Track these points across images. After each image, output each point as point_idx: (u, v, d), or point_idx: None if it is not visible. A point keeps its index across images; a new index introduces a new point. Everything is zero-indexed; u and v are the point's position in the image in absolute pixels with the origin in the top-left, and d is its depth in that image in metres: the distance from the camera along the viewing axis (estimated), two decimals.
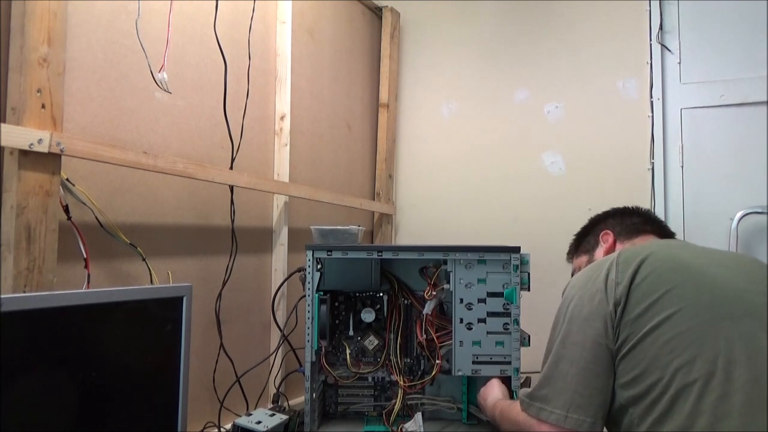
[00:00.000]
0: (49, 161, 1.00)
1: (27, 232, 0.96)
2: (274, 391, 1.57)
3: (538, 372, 1.03)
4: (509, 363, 1.30)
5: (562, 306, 1.04)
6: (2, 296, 0.81)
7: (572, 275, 1.35)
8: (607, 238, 1.26)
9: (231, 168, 1.48)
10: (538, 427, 0.96)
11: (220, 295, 1.45)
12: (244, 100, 1.56)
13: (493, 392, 1.28)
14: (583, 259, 1.31)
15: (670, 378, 0.87)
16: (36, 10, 0.98)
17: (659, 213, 1.91)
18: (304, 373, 1.31)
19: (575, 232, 1.39)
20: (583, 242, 1.34)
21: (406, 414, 1.39)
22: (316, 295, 1.30)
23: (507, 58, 2.24)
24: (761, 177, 1.82)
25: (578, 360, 0.95)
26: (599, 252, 1.26)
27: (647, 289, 0.94)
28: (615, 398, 0.95)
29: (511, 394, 1.28)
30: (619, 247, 1.23)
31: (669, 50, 1.98)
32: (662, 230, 1.25)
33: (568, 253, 1.40)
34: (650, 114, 1.99)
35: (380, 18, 2.38)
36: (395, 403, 1.37)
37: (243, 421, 1.27)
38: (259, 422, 1.26)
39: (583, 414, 0.93)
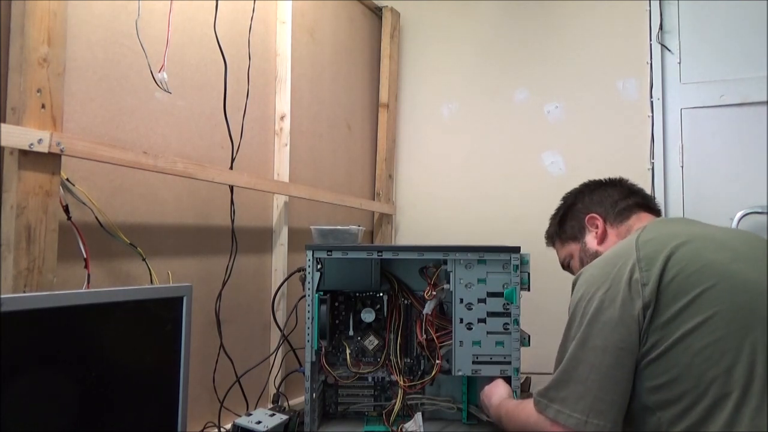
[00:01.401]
0: (49, 161, 1.00)
1: (27, 232, 0.96)
2: (274, 391, 1.57)
3: (539, 372, 1.02)
4: (509, 363, 1.30)
5: (579, 303, 0.99)
6: (2, 296, 0.81)
7: (562, 263, 1.32)
8: (595, 222, 1.21)
9: (231, 168, 1.48)
10: (551, 427, 0.95)
11: (220, 295, 1.45)
12: (244, 100, 1.56)
13: (498, 391, 1.27)
14: (574, 247, 1.27)
15: (706, 387, 0.86)
16: (36, 10, 0.98)
17: None
18: (304, 373, 1.31)
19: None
20: (566, 227, 1.28)
21: (406, 414, 1.39)
22: (316, 295, 1.30)
23: (507, 58, 2.24)
24: (761, 177, 1.82)
25: (599, 366, 0.93)
26: (590, 239, 1.22)
27: (676, 292, 0.91)
28: (638, 398, 0.93)
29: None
30: (611, 231, 1.19)
31: (669, 50, 1.99)
32: (646, 201, 1.22)
33: (548, 238, 1.36)
34: (650, 114, 1.99)
35: (380, 18, 2.38)
36: (395, 403, 1.37)
37: (243, 421, 1.27)
38: (259, 422, 1.26)
39: (603, 419, 0.91)
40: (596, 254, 1.17)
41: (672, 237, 0.99)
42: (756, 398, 0.83)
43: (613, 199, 1.22)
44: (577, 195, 1.29)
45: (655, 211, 1.22)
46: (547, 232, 1.36)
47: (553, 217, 1.34)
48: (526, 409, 1.05)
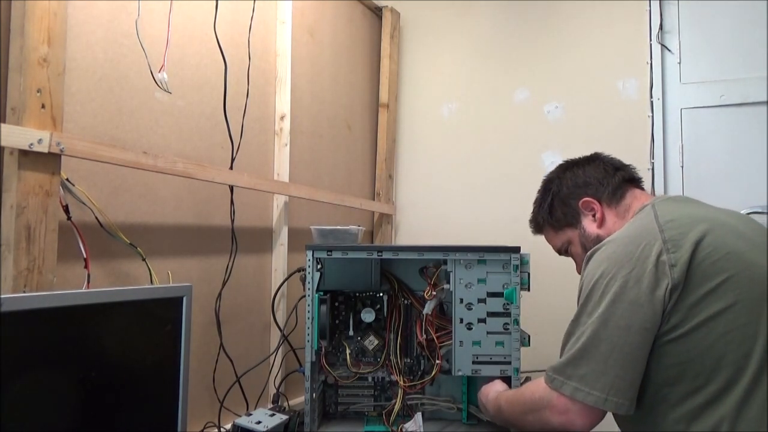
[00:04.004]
0: (49, 161, 1.00)
1: (27, 232, 0.96)
2: (274, 391, 1.57)
3: (539, 371, 1.02)
4: (509, 363, 1.30)
5: (599, 281, 0.98)
6: (2, 296, 0.81)
7: (558, 249, 1.28)
8: (591, 206, 1.18)
9: (231, 168, 1.48)
10: (567, 404, 0.96)
11: (220, 295, 1.45)
12: (244, 100, 1.56)
13: (495, 387, 1.27)
14: (571, 233, 1.22)
15: (723, 369, 0.90)
16: (36, 10, 0.98)
17: None
18: (304, 373, 1.31)
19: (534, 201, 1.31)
20: (557, 215, 1.24)
21: (406, 414, 1.39)
22: (316, 295, 1.30)
23: (507, 58, 2.24)
24: (761, 177, 1.82)
25: (622, 345, 0.94)
26: (588, 223, 1.18)
27: (703, 276, 0.93)
28: (648, 374, 0.95)
29: None
30: (609, 212, 1.16)
31: (669, 50, 1.98)
32: (629, 173, 1.20)
33: (536, 226, 1.31)
34: (650, 114, 1.99)
35: (380, 18, 2.38)
36: (395, 403, 1.37)
37: (243, 421, 1.27)
38: (259, 422, 1.26)
39: (622, 397, 0.93)
40: (598, 238, 1.16)
41: (693, 219, 1.00)
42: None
43: (598, 177, 1.19)
44: (560, 180, 1.25)
45: (639, 182, 1.22)
46: (534, 220, 1.32)
47: (539, 206, 1.29)
48: (530, 389, 1.05)
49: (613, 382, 0.93)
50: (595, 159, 1.24)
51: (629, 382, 0.94)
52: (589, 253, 1.05)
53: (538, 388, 1.03)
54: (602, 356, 0.94)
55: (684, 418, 0.92)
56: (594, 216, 1.18)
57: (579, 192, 1.20)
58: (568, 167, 1.26)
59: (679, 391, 0.93)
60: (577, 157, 1.27)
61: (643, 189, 1.22)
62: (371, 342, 1.38)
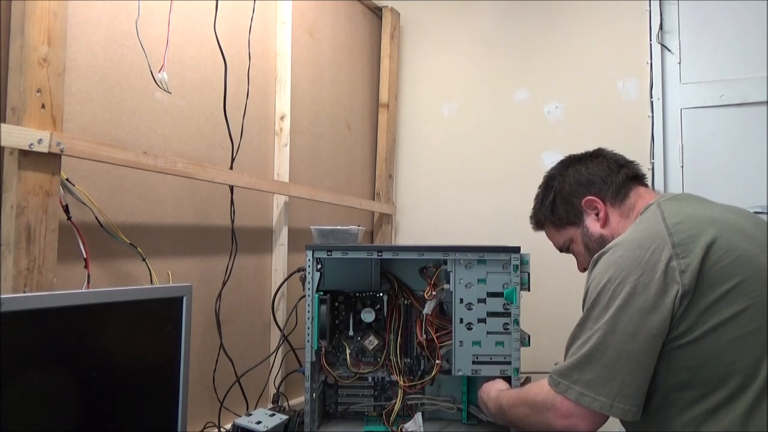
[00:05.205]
0: (49, 161, 1.00)
1: (27, 232, 0.96)
2: (274, 391, 1.57)
3: (539, 372, 1.02)
4: (509, 363, 1.30)
5: (607, 286, 0.97)
6: (2, 296, 0.81)
7: (560, 247, 1.27)
8: (594, 205, 1.16)
9: (231, 168, 1.48)
10: (571, 408, 0.95)
11: (220, 295, 1.45)
12: (244, 100, 1.56)
13: (497, 386, 1.27)
14: (573, 232, 1.21)
15: (733, 376, 0.89)
16: (36, 10, 0.98)
17: None
18: (304, 373, 1.31)
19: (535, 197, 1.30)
20: (559, 213, 1.22)
21: (406, 414, 1.39)
22: (316, 295, 1.30)
23: (507, 58, 2.24)
24: (761, 177, 1.82)
25: (630, 352, 0.93)
26: (591, 222, 1.17)
27: (714, 281, 0.92)
28: (657, 379, 0.95)
29: None
30: (613, 212, 1.15)
31: (669, 50, 1.99)
32: (633, 170, 1.18)
33: (536, 223, 1.30)
34: (650, 114, 1.99)
35: (380, 18, 2.38)
36: (395, 403, 1.37)
37: (243, 421, 1.27)
38: (259, 422, 1.26)
39: (629, 403, 0.93)
40: (601, 237, 1.15)
41: (702, 221, 0.98)
42: None
43: (601, 175, 1.17)
44: (562, 177, 1.23)
45: (643, 179, 1.20)
46: (535, 217, 1.30)
47: (541, 202, 1.27)
48: (533, 390, 1.05)
49: (620, 388, 0.92)
50: (599, 155, 1.22)
51: (636, 388, 0.93)
52: (596, 256, 1.04)
53: (541, 390, 1.02)
54: (609, 362, 0.94)
55: (692, 423, 0.91)
56: (597, 215, 1.17)
57: (582, 190, 1.19)
58: (571, 163, 1.24)
59: (688, 396, 0.92)
60: (579, 152, 1.26)
61: (647, 186, 1.20)
62: (371, 342, 1.38)
